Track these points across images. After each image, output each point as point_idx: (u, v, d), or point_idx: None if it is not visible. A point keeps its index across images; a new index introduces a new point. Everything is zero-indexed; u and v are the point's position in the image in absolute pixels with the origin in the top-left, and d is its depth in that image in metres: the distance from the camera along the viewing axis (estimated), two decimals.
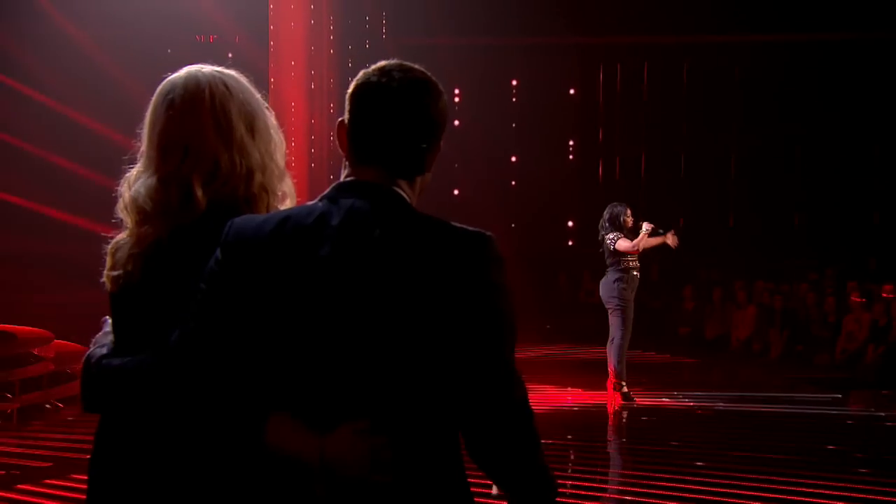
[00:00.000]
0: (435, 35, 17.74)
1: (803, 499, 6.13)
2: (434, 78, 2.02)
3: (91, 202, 18.87)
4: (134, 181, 2.08)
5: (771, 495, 6.15)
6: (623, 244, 9.14)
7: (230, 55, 17.77)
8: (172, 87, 2.09)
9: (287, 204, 2.16)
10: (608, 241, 9.20)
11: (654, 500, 6.13)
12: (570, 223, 18.61)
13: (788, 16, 16.45)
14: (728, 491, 6.22)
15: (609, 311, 9.27)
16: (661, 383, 10.65)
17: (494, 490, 1.95)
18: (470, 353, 1.81)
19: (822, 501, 6.08)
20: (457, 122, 18.85)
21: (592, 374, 10.33)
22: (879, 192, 17.01)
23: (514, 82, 19.05)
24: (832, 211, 17.02)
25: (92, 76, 17.38)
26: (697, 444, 7.65)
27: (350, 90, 1.97)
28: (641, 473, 6.85)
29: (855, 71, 17.10)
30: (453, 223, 1.89)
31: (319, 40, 17.02)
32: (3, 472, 7.10)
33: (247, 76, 2.22)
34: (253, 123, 2.11)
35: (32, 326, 12.32)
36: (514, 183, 19.00)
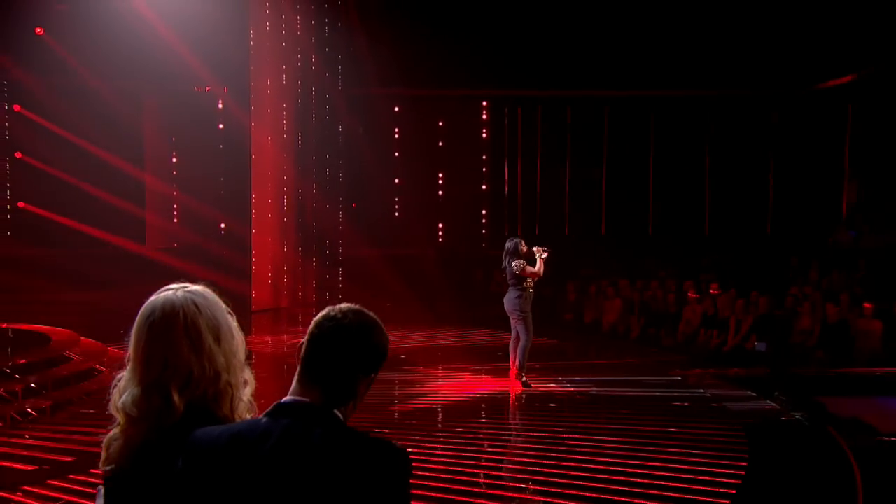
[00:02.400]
0: (379, 87, 17.66)
1: (652, 481, 6.02)
2: (378, 321, 1.96)
3: (105, 217, 18.26)
4: (123, 389, 2.02)
5: (626, 478, 6.05)
6: (529, 270, 9.08)
7: (220, 102, 17.46)
8: (153, 310, 2.01)
9: (247, 391, 2.07)
10: (514, 267, 9.07)
11: (548, 488, 5.97)
12: (484, 231, 18.60)
13: (639, 75, 16.64)
14: (590, 475, 6.10)
15: (513, 320, 9.21)
16: (551, 368, 10.38)
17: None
18: None
19: (661, 482, 5.93)
20: (397, 154, 18.78)
21: (500, 362, 10.15)
22: (709, 210, 17.30)
23: (441, 123, 18.95)
24: (676, 223, 17.26)
25: (109, 118, 17.04)
26: (574, 427, 7.48)
27: (311, 324, 1.93)
28: (533, 459, 6.68)
29: (689, 119, 17.37)
30: (373, 437, 1.86)
31: (289, 94, 16.76)
32: (37, 466, 6.60)
33: (214, 290, 2.11)
34: (218, 333, 2.04)
35: (60, 326, 11.85)
36: (441, 194, 18.95)
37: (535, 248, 9.25)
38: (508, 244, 9.27)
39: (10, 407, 8.18)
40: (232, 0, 15.39)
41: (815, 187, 16.83)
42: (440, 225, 18.52)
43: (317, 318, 1.92)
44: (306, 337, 1.92)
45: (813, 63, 16.01)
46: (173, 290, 2.05)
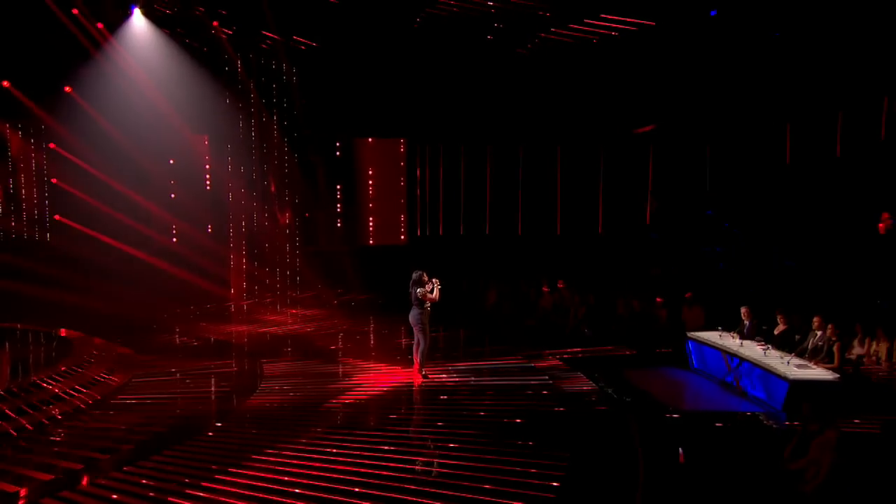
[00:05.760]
0: (325, 131, 17.21)
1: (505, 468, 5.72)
2: None
3: (119, 231, 17.16)
4: None
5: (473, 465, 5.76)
6: (429, 296, 8.86)
7: (206, 140, 16.57)
8: None
9: None
10: (418, 293, 8.84)
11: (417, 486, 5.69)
12: (403, 236, 18.28)
13: (512, 127, 16.57)
14: (456, 472, 5.78)
15: (415, 330, 8.99)
16: (446, 357, 9.98)
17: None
18: None
19: (501, 477, 5.68)
20: (338, 186, 18.37)
21: (407, 352, 9.84)
22: (560, 217, 17.41)
23: (370, 154, 18.47)
24: (537, 227, 17.37)
25: (121, 155, 16.11)
26: (452, 419, 7.13)
27: None
28: (413, 457, 6.30)
29: (546, 155, 17.38)
30: None
31: (256, 138, 16.07)
32: (54, 476, 5.90)
33: None
34: None
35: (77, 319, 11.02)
36: (371, 206, 18.53)
37: (433, 280, 9.04)
38: (414, 275, 9.00)
39: (41, 414, 7.55)
40: (211, 68, 14.72)
41: (629, 202, 17.12)
42: (370, 228, 18.14)
43: None
44: None
45: (628, 116, 16.25)
46: None
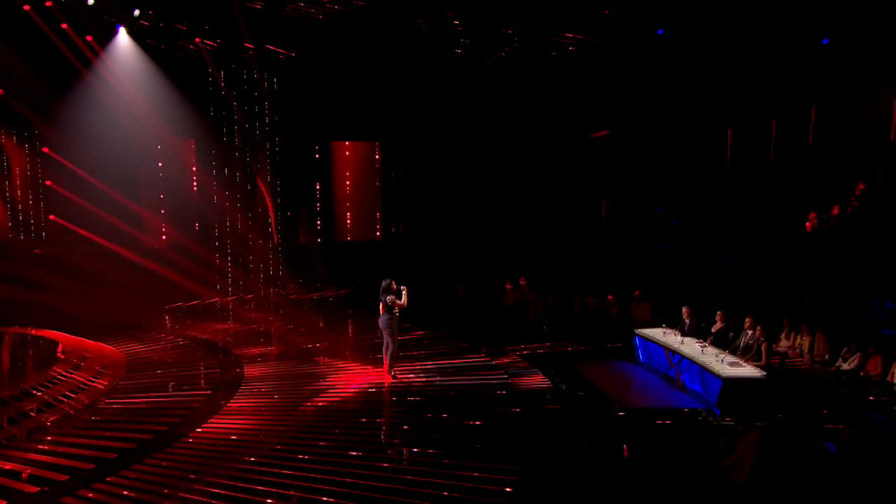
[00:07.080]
0: (310, 137, 16.88)
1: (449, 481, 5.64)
2: None
3: (113, 232, 16.72)
4: None
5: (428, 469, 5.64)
6: (398, 303, 8.69)
7: (192, 144, 16.10)
8: None
9: None
10: (388, 300, 8.67)
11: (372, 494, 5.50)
12: (378, 232, 18.07)
13: (485, 134, 16.31)
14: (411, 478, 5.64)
15: (385, 334, 8.83)
16: (413, 358, 9.74)
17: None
18: None
19: (454, 482, 5.54)
20: (318, 185, 18.01)
21: (377, 352, 9.62)
22: (527, 220, 17.35)
23: (348, 153, 18.13)
24: (504, 232, 17.30)
25: (112, 161, 15.59)
26: (416, 421, 7.01)
27: None
28: (376, 462, 6.11)
29: (513, 157, 17.20)
30: None
31: (241, 144, 15.62)
32: (46, 487, 5.63)
33: None
34: None
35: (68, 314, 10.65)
36: (348, 205, 18.24)
37: (402, 287, 8.90)
38: (384, 283, 8.81)
39: (31, 420, 7.23)
40: (195, 80, 14.21)
41: (587, 200, 17.08)
42: (348, 225, 17.88)
43: None
44: None
45: (585, 122, 16.16)
46: None
